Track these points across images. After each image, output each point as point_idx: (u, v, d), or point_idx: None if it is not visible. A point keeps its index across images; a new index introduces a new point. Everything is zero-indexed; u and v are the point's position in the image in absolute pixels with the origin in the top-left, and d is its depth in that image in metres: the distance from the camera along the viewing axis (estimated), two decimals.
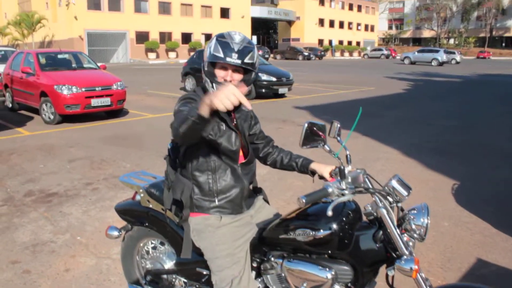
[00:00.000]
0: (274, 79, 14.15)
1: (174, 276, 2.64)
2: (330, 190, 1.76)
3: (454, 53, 45.29)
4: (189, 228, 2.20)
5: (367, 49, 66.25)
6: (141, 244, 2.83)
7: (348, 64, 41.18)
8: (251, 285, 2.12)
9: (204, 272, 2.37)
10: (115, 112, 10.61)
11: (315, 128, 2.16)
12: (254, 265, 2.26)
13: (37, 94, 9.96)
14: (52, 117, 9.65)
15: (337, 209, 1.99)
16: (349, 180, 1.87)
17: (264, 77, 13.99)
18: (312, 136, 2.16)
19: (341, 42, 67.47)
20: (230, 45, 1.99)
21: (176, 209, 2.27)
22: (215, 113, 1.62)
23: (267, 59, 40.14)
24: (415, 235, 1.91)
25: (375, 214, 1.94)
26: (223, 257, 2.09)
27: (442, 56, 40.29)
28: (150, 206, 2.58)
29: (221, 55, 1.98)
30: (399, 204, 1.99)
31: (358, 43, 71.81)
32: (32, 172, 6.07)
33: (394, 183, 1.96)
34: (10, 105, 11.45)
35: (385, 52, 58.89)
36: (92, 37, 39.20)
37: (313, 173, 2.30)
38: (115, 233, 2.73)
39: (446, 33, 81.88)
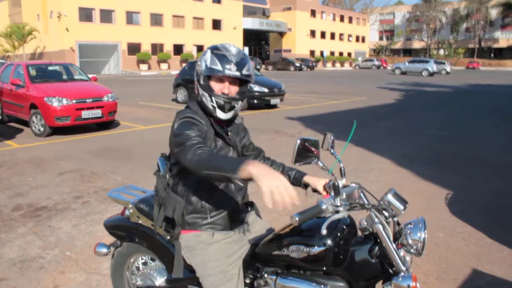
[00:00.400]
0: (266, 90, 14.17)
1: None
2: (324, 207, 1.71)
3: (444, 63, 45.83)
4: (180, 246, 2.14)
5: (358, 60, 66.75)
6: (131, 260, 2.76)
7: (339, 74, 41.45)
8: None
9: None
10: (106, 124, 10.53)
11: (307, 144, 2.13)
12: (247, 281, 2.20)
13: (26, 106, 9.86)
14: (42, 129, 9.54)
15: (331, 225, 1.95)
16: (344, 196, 1.83)
17: (256, 88, 13.99)
18: (305, 153, 2.12)
19: (332, 53, 67.97)
20: (228, 57, 1.95)
21: (166, 226, 2.21)
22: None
23: (258, 70, 40.28)
24: (412, 250, 1.86)
25: (370, 229, 1.90)
26: (215, 274, 2.03)
27: (432, 67, 40.74)
28: (140, 221, 2.51)
29: (219, 67, 1.94)
30: (395, 219, 1.95)
31: (349, 54, 72.41)
32: (21, 186, 5.97)
33: (390, 197, 1.92)
34: (0, 118, 11.32)
35: (376, 62, 59.44)
36: (84, 49, 39.13)
37: (306, 186, 2.25)
38: (104, 250, 2.66)
39: (436, 44, 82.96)
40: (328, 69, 58.25)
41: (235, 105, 2.03)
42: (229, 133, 2.16)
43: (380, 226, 1.82)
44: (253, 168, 1.55)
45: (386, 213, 1.89)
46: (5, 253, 3.96)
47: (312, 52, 64.48)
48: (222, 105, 1.99)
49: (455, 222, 4.65)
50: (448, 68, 44.59)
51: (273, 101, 14.42)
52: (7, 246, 4.09)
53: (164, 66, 44.28)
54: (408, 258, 1.89)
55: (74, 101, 9.49)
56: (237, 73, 1.94)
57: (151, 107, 14.64)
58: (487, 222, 4.62)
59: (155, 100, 16.54)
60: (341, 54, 70.34)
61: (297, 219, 1.59)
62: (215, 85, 2.00)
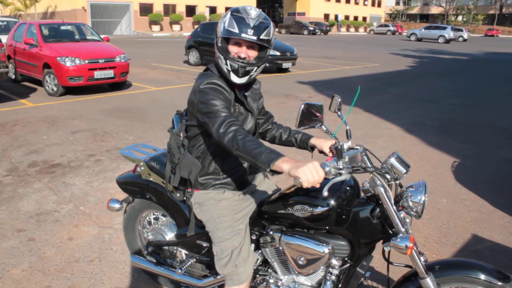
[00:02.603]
0: (278, 53, 14.03)
1: (174, 247, 2.70)
2: (327, 169, 1.75)
3: (461, 30, 44.64)
4: (192, 208, 2.24)
5: (373, 25, 65.22)
6: (143, 216, 2.88)
7: (353, 39, 40.68)
8: (250, 257, 2.17)
9: (204, 244, 2.43)
10: (118, 85, 10.61)
11: (311, 109, 2.16)
12: (253, 238, 2.31)
13: (40, 66, 9.94)
14: (55, 89, 9.66)
15: (335, 186, 2.02)
16: (346, 159, 1.87)
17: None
18: (309, 117, 2.16)
19: (347, 17, 66.44)
20: (246, 20, 1.92)
21: (179, 184, 2.30)
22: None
23: None
24: (412, 212, 1.93)
25: (372, 191, 1.96)
26: (224, 229, 2.14)
27: (449, 33, 39.74)
28: (151, 179, 2.61)
29: (236, 30, 1.92)
30: (398, 181, 2.01)
31: (364, 19, 70.71)
32: (36, 144, 6.12)
33: (393, 160, 1.97)
34: (13, 76, 11.42)
35: (392, 28, 58.00)
36: (95, 9, 38.71)
37: (312, 148, 2.31)
38: (117, 205, 2.78)
39: (454, 10, 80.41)
40: (342, 34, 57.13)
41: (251, 70, 2.02)
42: (247, 98, 2.20)
43: (382, 189, 1.89)
44: (286, 165, 1.65)
45: (388, 176, 1.96)
46: (22, 206, 4.14)
47: (326, 16, 63.08)
48: (236, 69, 1.99)
49: (459, 189, 4.72)
50: (465, 35, 43.49)
51: (285, 65, 14.30)
52: (24, 200, 4.27)
53: (176, 27, 43.73)
54: (408, 220, 1.97)
55: (86, 61, 9.54)
56: (254, 37, 1.92)
57: (163, 68, 14.63)
58: (492, 190, 4.67)
59: (167, 62, 16.49)
60: (355, 18, 68.73)
61: (300, 180, 1.65)
62: (232, 48, 1.99)
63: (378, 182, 1.91)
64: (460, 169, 5.35)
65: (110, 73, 9.88)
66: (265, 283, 2.29)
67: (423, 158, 5.72)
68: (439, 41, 39.47)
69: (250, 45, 1.98)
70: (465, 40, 43.08)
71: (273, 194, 2.26)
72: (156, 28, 42.22)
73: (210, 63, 2.17)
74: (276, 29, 49.13)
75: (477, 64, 19.80)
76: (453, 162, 5.56)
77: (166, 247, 2.71)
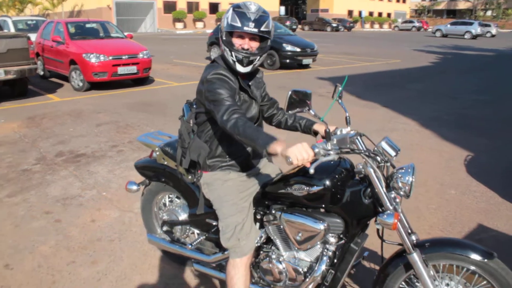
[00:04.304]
0: (298, 49, 14.14)
1: (187, 226, 2.90)
2: (316, 150, 1.90)
3: (489, 25, 43.63)
4: (201, 189, 2.45)
5: (398, 21, 64.38)
6: (159, 198, 3.10)
7: (377, 36, 40.31)
8: (252, 232, 2.35)
9: (213, 223, 2.62)
10: (141, 80, 10.93)
11: (299, 95, 2.29)
12: (258, 217, 2.49)
13: (66, 62, 10.33)
14: (81, 84, 10.03)
15: (331, 167, 2.19)
16: (335, 141, 2.01)
17: (288, 47, 14.01)
18: (296, 103, 2.29)
19: (371, 14, 65.72)
20: (247, 14, 2.12)
21: (189, 167, 2.50)
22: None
23: (294, 30, 39.64)
24: (401, 192, 2.09)
25: (364, 172, 2.12)
26: (228, 206, 2.33)
27: (476, 29, 38.95)
28: (165, 163, 2.82)
29: (239, 24, 2.12)
30: (388, 164, 2.16)
31: (388, 15, 69.83)
32: (63, 135, 6.45)
33: (384, 144, 2.13)
34: (42, 73, 11.88)
35: (417, 24, 57.15)
36: (120, 7, 39.45)
37: (315, 133, 2.49)
38: (134, 187, 3.01)
39: (483, 5, 78.52)
40: (366, 30, 56.58)
41: (254, 59, 2.21)
42: (251, 87, 2.39)
43: (371, 170, 2.04)
44: (280, 147, 1.83)
45: (378, 158, 2.11)
46: (50, 191, 4.43)
47: (350, 13, 62.58)
48: (241, 59, 2.18)
49: (470, 181, 4.79)
50: (493, 31, 42.50)
51: (305, 61, 14.40)
52: (52, 186, 4.56)
53: (199, 24, 44.17)
54: (398, 200, 2.12)
55: (110, 57, 9.88)
56: (255, 30, 2.12)
57: (185, 64, 14.93)
58: (503, 183, 4.72)
59: (189, 58, 16.80)
60: (380, 14, 67.93)
61: (290, 160, 1.82)
62: (236, 41, 2.18)
63: (368, 163, 2.06)
64: (473, 162, 5.40)
65: (133, 69, 10.20)
66: (268, 258, 2.46)
67: (436, 152, 5.79)
68: (466, 37, 38.74)
69: (252, 37, 2.17)
70: (493, 35, 42.13)
71: (276, 176, 2.44)
72: (179, 25, 42.73)
73: (218, 56, 2.36)
74: (299, 26, 49.14)
75: (503, 60, 19.46)
76: (467, 156, 5.61)
77: (179, 226, 2.92)
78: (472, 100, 9.45)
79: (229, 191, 2.36)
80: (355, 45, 27.22)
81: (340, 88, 2.42)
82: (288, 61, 14.07)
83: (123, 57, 10.11)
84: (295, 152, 1.79)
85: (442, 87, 11.31)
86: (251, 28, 2.12)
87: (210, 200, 2.45)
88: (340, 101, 2.39)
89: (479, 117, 7.94)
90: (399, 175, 2.08)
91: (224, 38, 2.20)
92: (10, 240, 3.50)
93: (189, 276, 3.02)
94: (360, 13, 62.69)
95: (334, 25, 48.37)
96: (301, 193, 2.21)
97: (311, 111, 2.27)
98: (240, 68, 2.21)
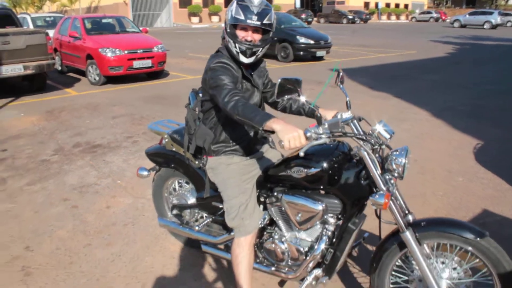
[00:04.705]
0: (312, 42, 14.15)
1: (195, 210, 3.04)
2: (308, 134, 1.98)
3: (510, 14, 42.67)
4: (207, 173, 2.58)
5: (415, 12, 63.44)
6: (169, 183, 3.25)
7: (393, 27, 39.86)
8: (256, 212, 2.47)
9: (220, 206, 2.75)
10: (155, 74, 11.11)
11: (289, 83, 2.32)
12: (261, 199, 2.60)
13: (83, 57, 10.57)
14: (97, 78, 10.26)
15: (328, 150, 2.30)
16: (326, 126, 2.09)
17: (302, 39, 14.03)
18: (287, 90, 2.31)
19: (388, 5, 64.89)
20: (250, 8, 2.23)
21: (196, 153, 2.64)
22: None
23: (310, 22, 39.47)
24: (395, 174, 2.18)
25: (358, 155, 2.22)
26: (232, 188, 2.46)
27: (496, 19, 38.18)
28: (173, 149, 2.96)
29: (242, 17, 2.23)
30: (383, 146, 2.25)
31: (406, 6, 68.81)
32: (80, 127, 6.65)
33: (379, 127, 2.22)
34: (60, 68, 12.16)
35: (435, 15, 56.21)
36: (136, 2, 39.81)
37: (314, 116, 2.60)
38: (145, 173, 3.17)
39: None
40: (383, 22, 55.94)
41: (257, 51, 2.33)
42: (253, 76, 2.50)
43: (364, 152, 2.13)
44: (276, 125, 1.92)
45: (372, 141, 2.20)
46: (67, 180, 4.62)
47: (366, 4, 61.89)
48: (244, 50, 2.30)
49: (478, 169, 4.82)
50: None
51: (319, 53, 14.40)
52: (69, 175, 4.75)
53: (215, 18, 44.31)
54: (392, 181, 2.20)
55: (126, 52, 10.07)
56: (258, 22, 2.23)
57: (200, 58, 15.08)
58: (511, 171, 4.73)
59: (204, 52, 16.93)
60: (397, 6, 67.00)
61: (282, 143, 1.93)
62: (239, 33, 2.29)
63: (361, 147, 2.15)
64: (483, 151, 5.42)
65: (148, 62, 10.38)
66: (271, 239, 2.58)
67: (445, 140, 5.81)
68: (485, 27, 38.03)
69: (255, 29, 2.29)
70: None
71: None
72: (195, 19, 42.92)
73: (222, 46, 2.47)
74: (315, 19, 48.86)
75: None
76: (476, 144, 5.62)
77: (188, 210, 3.06)
78: (486, 91, 9.37)
79: (233, 174, 2.48)
80: (371, 37, 27.00)
81: (341, 73, 2.51)
82: (301, 53, 14.10)
83: (138, 51, 10.29)
84: (290, 139, 1.88)
85: (456, 77, 11.22)
86: (254, 21, 2.23)
87: (215, 183, 2.58)
88: (341, 86, 2.49)
89: (492, 107, 7.89)
90: (393, 157, 2.17)
91: (228, 30, 2.31)
92: (30, 225, 3.69)
93: (198, 257, 3.16)
94: (376, 4, 61.96)
95: (350, 17, 47.92)
96: (300, 175, 2.32)
97: (301, 97, 2.33)
98: (243, 59, 2.33)
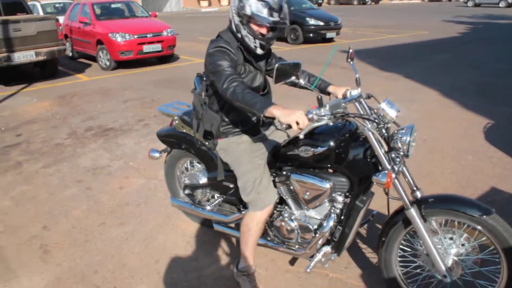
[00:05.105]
0: (321, 23, 14.03)
1: (207, 189, 3.11)
2: (310, 116, 2.02)
3: None
4: (218, 155, 2.65)
5: None
6: (181, 163, 3.31)
7: (405, 8, 39.20)
8: (270, 186, 2.53)
9: (231, 186, 2.81)
10: (165, 58, 11.16)
11: (287, 67, 2.37)
12: (271, 179, 2.66)
13: (93, 43, 10.63)
14: (108, 63, 10.34)
15: (335, 129, 2.33)
16: (327, 107, 2.11)
17: (311, 21, 13.92)
18: (284, 74, 2.36)
19: None
20: (271, 5, 2.22)
21: (205, 135, 2.70)
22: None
23: (320, 4, 38.98)
24: (400, 152, 2.21)
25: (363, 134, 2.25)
26: (245, 164, 2.52)
27: None
28: (184, 130, 3.02)
29: (265, 15, 2.22)
30: (389, 125, 2.27)
31: None
32: (91, 112, 6.75)
33: (384, 105, 2.23)
34: (70, 54, 12.24)
35: None
36: None
37: (329, 94, 2.65)
38: (156, 154, 3.24)
39: None
40: (395, 3, 55.02)
41: (272, 43, 2.39)
42: (255, 58, 2.52)
43: (368, 132, 2.16)
44: (277, 111, 1.98)
45: (377, 120, 2.23)
46: (81, 163, 4.73)
47: None
48: (264, 45, 2.36)
49: (488, 147, 4.82)
50: None
51: (329, 34, 14.28)
52: (82, 158, 4.86)
53: (224, 1, 43.98)
54: (398, 160, 2.23)
55: (136, 36, 10.11)
56: (279, 20, 2.25)
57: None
58: None
59: (214, 35, 16.84)
60: None
61: (284, 125, 1.98)
62: (255, 27, 2.30)
63: (365, 126, 2.17)
64: (493, 129, 5.40)
65: (158, 46, 10.42)
66: (281, 217, 2.65)
67: (455, 120, 5.80)
68: (501, 5, 37.13)
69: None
70: None
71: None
72: (204, 3, 42.63)
73: (224, 31, 2.48)
74: (325, 0, 48.16)
75: None
76: (486, 124, 5.60)
77: (200, 190, 3.13)
78: (497, 69, 9.25)
79: (244, 152, 2.55)
80: (382, 18, 26.63)
81: (350, 50, 2.57)
82: (311, 35, 14.00)
83: (148, 36, 10.33)
84: (290, 118, 1.93)
85: (466, 57, 11.07)
86: (275, 18, 2.24)
87: (228, 163, 2.64)
88: (351, 63, 2.53)
89: (502, 85, 7.79)
90: (399, 136, 2.19)
91: (244, 23, 2.30)
92: (46, 206, 3.80)
93: (208, 235, 3.25)
94: None
95: None
96: (307, 154, 2.36)
97: (300, 80, 2.33)
98: (260, 51, 2.38)
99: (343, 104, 2.16)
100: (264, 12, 2.22)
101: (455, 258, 2.22)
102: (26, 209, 3.76)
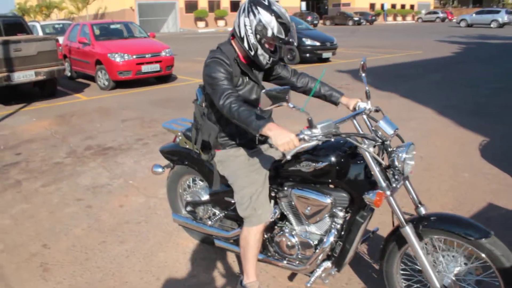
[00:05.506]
0: (318, 43, 14.25)
1: (208, 206, 3.13)
2: (301, 136, 2.07)
3: None
4: (215, 165, 2.68)
5: (421, 13, 63.25)
6: (183, 180, 3.35)
7: (399, 29, 39.83)
8: (267, 203, 2.56)
9: (232, 201, 2.84)
10: (164, 78, 11.28)
11: (273, 93, 2.23)
12: (273, 194, 2.69)
13: (92, 63, 10.75)
14: (106, 83, 10.43)
15: (336, 145, 2.37)
16: (318, 129, 2.12)
17: (308, 41, 14.13)
18: (271, 99, 2.18)
19: (393, 6, 64.78)
20: (288, 27, 2.35)
21: (204, 147, 2.73)
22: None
23: (315, 25, 39.55)
24: (396, 170, 2.25)
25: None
26: (242, 178, 2.55)
27: (503, 17, 37.94)
28: (187, 146, 3.07)
29: (284, 37, 2.34)
30: (387, 143, 2.31)
31: (412, 7, 68.65)
32: (91, 131, 6.79)
33: (381, 123, 2.28)
34: (69, 74, 12.34)
35: (441, 15, 56.02)
36: (143, 8, 40.21)
37: (338, 103, 2.76)
38: (159, 169, 3.27)
39: None
40: (389, 23, 55.89)
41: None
42: (253, 71, 2.59)
43: (363, 151, 2.22)
44: (270, 132, 2.07)
45: (376, 138, 2.27)
46: (80, 181, 4.75)
47: (372, 6, 61.89)
48: (275, 61, 2.49)
49: (483, 164, 4.88)
50: None
51: (325, 54, 14.48)
52: (82, 176, 4.88)
53: (221, 23, 44.58)
54: (396, 177, 2.27)
55: (134, 56, 10.24)
56: (292, 39, 2.38)
57: None
58: None
59: None
60: (403, 7, 66.90)
61: (274, 147, 2.07)
62: (267, 44, 2.40)
63: (359, 145, 2.22)
64: (488, 147, 5.47)
65: (156, 66, 10.54)
66: (281, 232, 2.67)
67: (451, 138, 5.87)
68: (492, 26, 37.83)
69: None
70: None
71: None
72: (201, 24, 43.22)
73: (224, 44, 2.54)
74: (321, 21, 48.90)
75: None
76: (482, 141, 5.67)
77: (201, 206, 3.16)
78: (491, 89, 9.38)
79: (242, 165, 2.59)
80: (377, 38, 27.03)
81: (362, 63, 2.65)
82: (308, 55, 14.19)
83: (147, 56, 10.45)
84: (280, 142, 2.02)
85: (462, 76, 11.24)
86: (291, 39, 2.38)
87: (225, 176, 2.67)
88: (363, 75, 2.60)
89: (496, 104, 7.90)
90: (398, 153, 2.22)
91: (262, 43, 2.38)
92: (47, 224, 3.81)
93: (210, 252, 3.26)
94: (382, 6, 61.87)
95: (356, 19, 47.95)
96: (308, 169, 2.40)
97: (289, 104, 2.36)
98: (267, 65, 2.49)
99: (334, 124, 2.18)
100: (283, 33, 2.33)
101: (453, 277, 2.21)
102: (26, 227, 3.77)
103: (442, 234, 2.19)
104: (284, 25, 2.33)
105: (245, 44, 2.41)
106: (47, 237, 3.58)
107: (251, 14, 2.34)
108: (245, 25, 2.37)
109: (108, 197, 4.30)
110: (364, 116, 2.53)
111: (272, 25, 2.32)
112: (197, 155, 2.95)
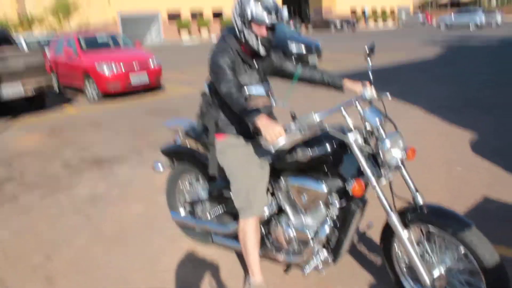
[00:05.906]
0: (303, 48, 14.39)
1: (207, 204, 3.17)
2: (287, 130, 2.21)
3: (494, 12, 43.14)
4: (214, 150, 2.72)
5: (401, 17, 64.19)
6: (182, 179, 3.38)
7: (381, 33, 40.37)
8: (263, 196, 2.60)
9: (230, 197, 2.85)
10: (153, 88, 11.24)
11: (255, 98, 2.55)
12: (270, 188, 2.73)
13: (80, 75, 10.69)
14: (95, 95, 10.38)
15: (331, 136, 2.42)
16: (297, 122, 2.25)
17: (293, 46, 14.25)
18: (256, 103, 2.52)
19: (374, 11, 65.64)
20: (269, 8, 2.42)
21: (205, 133, 2.82)
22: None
23: (297, 30, 39.86)
24: (382, 159, 2.31)
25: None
26: (240, 170, 2.61)
27: (480, 17, 38.70)
28: (188, 145, 3.12)
29: (265, 18, 2.41)
30: (378, 131, 2.36)
31: (392, 11, 69.64)
32: (83, 143, 6.77)
33: (367, 113, 2.36)
34: (56, 88, 12.22)
35: (421, 18, 56.95)
36: (126, 20, 40.12)
37: (341, 88, 2.81)
38: (160, 168, 3.34)
39: None
40: (371, 30, 56.59)
41: (273, 44, 2.57)
42: (254, 61, 2.66)
43: (351, 142, 2.31)
44: (260, 123, 2.19)
45: (359, 131, 2.36)
46: (78, 192, 4.73)
47: (353, 11, 62.62)
48: (266, 45, 2.54)
49: (475, 158, 4.98)
50: (499, 19, 42.09)
51: (311, 60, 14.62)
52: (79, 188, 4.87)
53: (204, 31, 44.74)
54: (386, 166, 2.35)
55: (122, 66, 10.20)
56: (276, 20, 2.45)
57: (194, 71, 15.27)
58: (508, 159, 4.88)
59: (197, 65, 17.14)
60: (383, 11, 67.85)
61: (262, 138, 2.17)
62: (256, 28, 2.48)
63: (343, 137, 2.32)
64: (479, 141, 5.56)
65: (144, 75, 10.53)
66: (279, 226, 2.71)
67: (443, 135, 5.98)
68: (471, 28, 38.56)
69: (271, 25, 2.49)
70: (498, 25, 41.79)
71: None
72: (185, 33, 43.27)
73: (228, 34, 2.62)
74: (303, 28, 49.28)
75: (507, 49, 19.46)
76: (473, 136, 5.79)
77: (200, 205, 3.21)
78: (475, 83, 9.56)
79: (241, 156, 2.65)
80: (360, 42, 27.36)
81: (366, 48, 2.69)
82: (293, 59, 14.29)
83: (134, 64, 10.43)
84: (267, 132, 2.15)
85: (445, 75, 11.43)
86: (274, 20, 2.44)
87: (223, 166, 2.71)
88: (369, 60, 2.70)
89: (483, 97, 8.08)
90: (381, 143, 2.28)
91: (246, 26, 2.48)
92: (47, 236, 3.79)
93: (214, 256, 3.28)
94: (363, 12, 62.65)
95: (338, 24, 48.47)
96: (305, 158, 2.45)
97: (273, 103, 2.48)
98: (262, 51, 2.56)
99: (314, 116, 2.22)
100: (264, 15, 2.41)
101: (443, 270, 2.25)
102: (27, 240, 3.75)
103: (424, 224, 2.25)
104: (264, 7, 2.41)
105: (236, 30, 2.54)
106: (50, 249, 3.56)
107: (236, 1, 2.51)
108: (233, 14, 2.53)
109: (107, 207, 4.30)
110: (357, 103, 2.53)
111: (250, 6, 2.44)
112: (197, 153, 3.01)
